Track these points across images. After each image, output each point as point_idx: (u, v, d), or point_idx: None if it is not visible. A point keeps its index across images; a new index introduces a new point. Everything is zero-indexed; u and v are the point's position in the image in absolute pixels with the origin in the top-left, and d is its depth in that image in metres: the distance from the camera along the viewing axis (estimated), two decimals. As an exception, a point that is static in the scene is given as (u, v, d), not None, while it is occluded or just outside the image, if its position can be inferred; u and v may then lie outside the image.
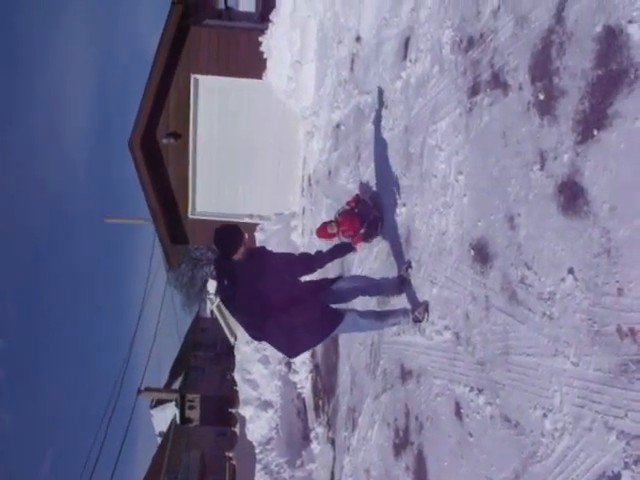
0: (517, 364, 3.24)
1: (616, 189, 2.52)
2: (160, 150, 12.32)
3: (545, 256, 3.03)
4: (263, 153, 12.58)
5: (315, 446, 9.09)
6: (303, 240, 11.82)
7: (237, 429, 16.49)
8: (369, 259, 6.27)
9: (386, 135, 6.04)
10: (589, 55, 2.73)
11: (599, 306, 2.59)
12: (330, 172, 9.17)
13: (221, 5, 15.37)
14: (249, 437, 11.41)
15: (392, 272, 5.47)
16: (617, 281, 2.48)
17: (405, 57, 5.60)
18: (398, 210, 5.41)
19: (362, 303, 5.47)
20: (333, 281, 4.92)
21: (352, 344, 6.81)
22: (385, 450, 5.30)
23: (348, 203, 6.22)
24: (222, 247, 4.28)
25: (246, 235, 4.40)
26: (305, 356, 9.89)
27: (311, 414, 9.75)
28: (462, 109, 4.15)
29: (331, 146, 9.28)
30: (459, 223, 4.11)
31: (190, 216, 13.10)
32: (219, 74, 11.93)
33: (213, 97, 12.25)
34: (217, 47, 11.78)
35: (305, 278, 4.67)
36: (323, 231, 6.14)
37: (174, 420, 29.67)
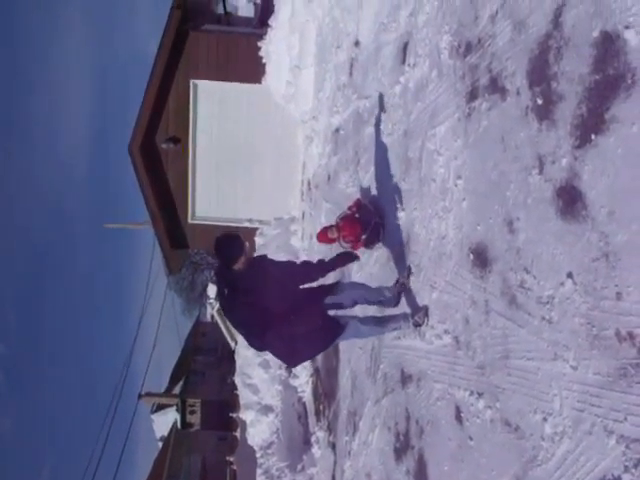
0: (517, 368, 3.25)
1: (614, 193, 2.53)
2: (160, 155, 12.34)
3: (544, 260, 3.04)
4: (262, 157, 12.60)
5: (316, 450, 9.09)
6: (303, 244, 11.83)
7: (238, 433, 16.48)
8: (369, 263, 6.28)
9: (385, 140, 6.06)
10: (586, 60, 2.75)
11: (598, 310, 2.60)
12: (329, 176, 9.18)
13: (220, 10, 15.44)
14: (250, 441, 11.40)
15: (392, 277, 5.48)
16: (616, 285, 2.49)
17: (404, 62, 5.62)
18: (397, 214, 5.42)
19: (361, 308, 5.47)
20: (332, 288, 4.85)
21: (352, 348, 6.82)
22: (386, 454, 5.31)
23: (349, 208, 6.17)
24: (222, 257, 4.24)
25: (247, 244, 4.35)
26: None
27: (312, 418, 9.74)
28: (461, 114, 4.17)
29: (330, 150, 9.30)
30: (458, 227, 4.13)
31: (190, 221, 13.12)
32: (218, 79, 11.96)
33: (212, 102, 12.28)
34: (216, 52, 11.81)
35: (305, 286, 4.63)
36: (323, 236, 6.09)
37: (175, 425, 29.65)
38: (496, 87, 3.64)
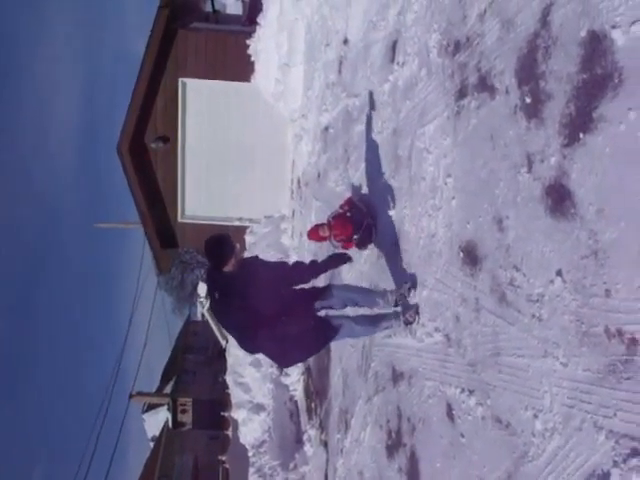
0: (507, 365, 3.27)
1: (602, 192, 2.55)
2: (149, 154, 12.31)
3: (534, 258, 3.06)
4: (252, 156, 12.58)
5: (308, 448, 9.10)
6: (293, 243, 11.83)
7: (230, 432, 16.47)
8: (359, 262, 6.29)
9: (375, 138, 6.07)
10: (574, 59, 2.77)
11: (587, 307, 2.62)
12: (319, 175, 9.19)
13: (208, 8, 15.39)
14: (242, 440, 11.39)
15: (383, 276, 5.49)
16: (604, 282, 2.51)
17: (393, 60, 5.63)
18: (387, 213, 5.43)
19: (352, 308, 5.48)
20: (325, 290, 4.80)
21: (343, 346, 6.83)
22: (378, 452, 5.32)
23: (341, 207, 6.12)
24: (212, 258, 4.21)
25: (237, 245, 4.32)
26: (297, 359, 9.88)
27: (304, 416, 9.76)
28: (450, 112, 4.18)
29: (320, 149, 9.30)
30: (448, 225, 4.14)
31: (179, 220, 13.09)
32: (207, 77, 11.94)
33: (201, 100, 12.25)
34: (204, 50, 11.78)
35: (298, 287, 4.60)
36: (315, 233, 6.04)
37: (166, 424, 29.57)
38: (485, 86, 3.66)
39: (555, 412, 2.83)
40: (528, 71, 3.16)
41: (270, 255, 11.91)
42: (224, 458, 17.14)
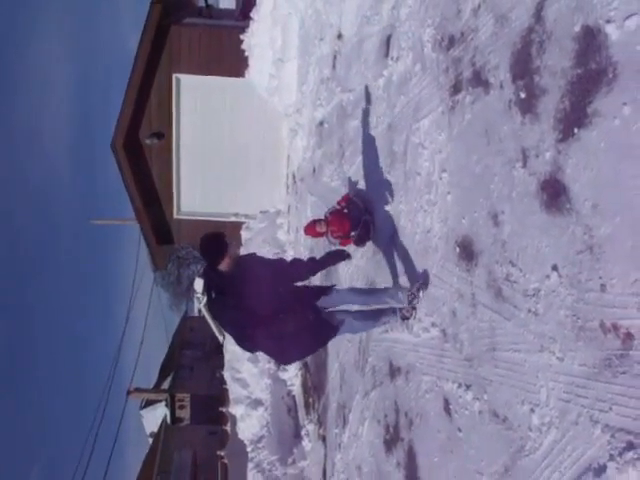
0: (504, 360, 3.28)
1: (597, 187, 2.56)
2: (143, 150, 12.26)
3: (529, 253, 3.06)
4: (247, 151, 12.56)
5: (306, 443, 9.12)
6: (289, 237, 11.83)
7: (228, 428, 16.49)
8: (355, 257, 6.30)
9: (369, 133, 6.06)
10: (568, 54, 2.77)
11: (583, 302, 2.63)
12: (314, 170, 9.18)
13: (201, 3, 15.32)
14: (240, 436, 11.42)
15: (379, 270, 5.50)
16: (600, 277, 2.52)
17: (387, 55, 5.62)
18: (383, 208, 5.43)
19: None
20: (327, 290, 4.64)
21: (341, 341, 6.83)
22: (376, 446, 5.34)
23: (338, 203, 6.07)
24: (206, 256, 4.18)
25: (233, 243, 4.27)
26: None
27: (301, 411, 9.78)
28: (444, 107, 4.18)
29: (315, 144, 9.29)
30: (444, 221, 4.15)
31: (175, 216, 13.06)
32: (201, 73, 11.89)
33: (195, 96, 12.20)
34: (198, 46, 11.73)
35: (298, 285, 4.54)
36: (311, 229, 6.00)
37: (164, 420, 29.60)
38: (479, 80, 3.65)
39: (551, 406, 2.84)
40: (522, 66, 3.16)
41: (266, 250, 11.91)
42: (223, 453, 17.17)
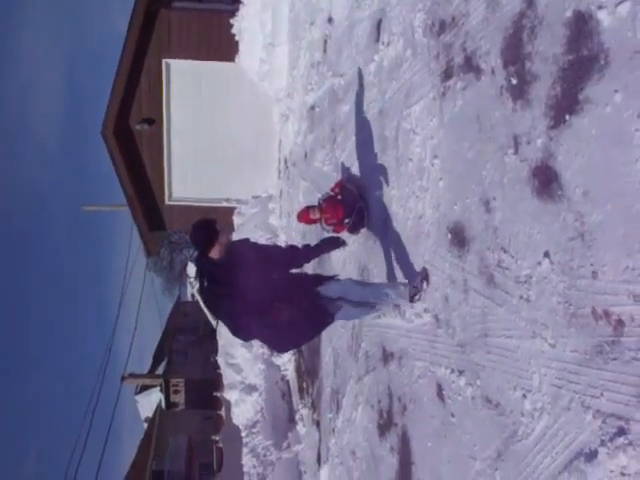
0: (496, 346, 3.30)
1: (588, 174, 2.56)
2: (134, 137, 12.19)
3: (521, 239, 3.07)
4: (238, 136, 12.50)
5: (300, 428, 9.18)
6: (281, 223, 11.82)
7: (223, 412, 16.58)
8: (347, 242, 6.29)
9: (361, 118, 6.03)
10: (560, 40, 2.75)
11: (574, 289, 2.64)
12: (306, 155, 9.15)
13: (190, -14, 15.13)
14: (235, 421, 11.48)
15: (371, 256, 5.50)
16: (591, 264, 2.53)
17: (378, 40, 5.58)
18: (375, 194, 5.43)
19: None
20: (325, 279, 4.54)
21: (334, 327, 6.82)
22: (370, 431, 5.38)
23: (332, 189, 6.00)
24: (196, 244, 4.11)
25: (226, 230, 4.18)
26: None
27: (295, 396, 9.83)
28: (436, 93, 4.16)
29: (306, 128, 9.25)
30: (436, 207, 4.14)
31: (167, 202, 13.02)
32: (191, 58, 11.80)
33: (186, 81, 12.13)
34: (188, 30, 11.63)
35: (294, 272, 4.45)
36: (305, 216, 5.94)
37: (159, 405, 29.70)
38: (471, 66, 3.63)
39: (544, 392, 2.86)
40: (514, 52, 3.14)
41: (259, 236, 11.90)
42: (217, 438, 17.28)
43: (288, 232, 10.81)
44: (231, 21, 11.26)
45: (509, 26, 3.20)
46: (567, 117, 2.68)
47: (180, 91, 12.16)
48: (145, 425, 31.97)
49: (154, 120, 12.14)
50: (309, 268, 6.35)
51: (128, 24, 11.25)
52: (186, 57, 11.79)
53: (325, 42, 8.01)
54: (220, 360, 12.52)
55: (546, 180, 2.85)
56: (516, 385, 3.09)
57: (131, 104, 11.87)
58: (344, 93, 6.89)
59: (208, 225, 4.04)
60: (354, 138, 6.26)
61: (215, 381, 19.90)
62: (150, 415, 31.17)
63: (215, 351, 14.46)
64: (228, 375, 11.97)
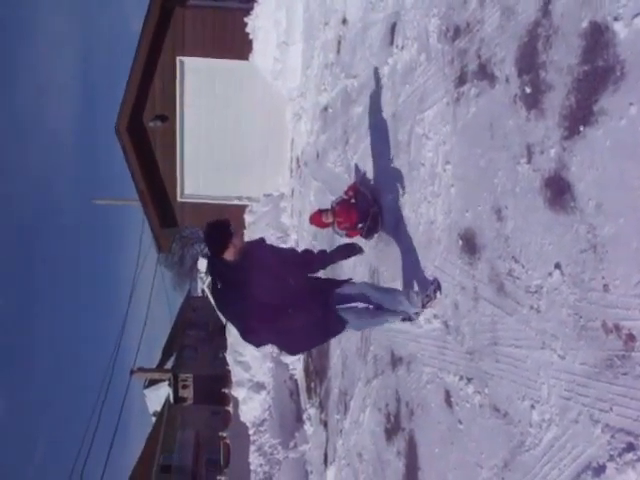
0: (505, 355, 3.29)
1: (602, 186, 2.54)
2: (147, 133, 12.23)
3: (532, 250, 3.05)
4: (251, 134, 12.50)
5: (308, 427, 9.19)
6: (292, 222, 11.83)
7: (231, 408, 16.63)
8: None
9: (374, 121, 6.02)
10: (575, 50, 2.73)
11: (585, 301, 2.63)
12: (318, 155, 9.15)
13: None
14: (242, 418, 11.52)
15: (382, 260, 5.50)
16: (603, 277, 2.51)
17: (392, 43, 5.57)
18: (387, 197, 5.41)
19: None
20: (340, 283, 4.47)
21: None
22: (377, 435, 5.38)
23: (346, 192, 5.88)
24: (209, 245, 4.02)
25: (240, 233, 4.08)
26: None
27: (303, 395, 9.84)
28: (449, 99, 4.14)
29: (319, 128, 9.24)
30: (447, 213, 4.13)
31: (179, 199, 13.05)
32: (205, 56, 11.81)
33: (199, 79, 12.13)
34: (202, 28, 11.64)
35: (309, 277, 4.37)
36: (317, 219, 5.85)
37: (168, 399, 29.87)
38: (485, 73, 3.62)
39: (552, 404, 2.85)
40: (528, 60, 3.13)
41: (270, 234, 11.92)
42: (225, 434, 17.35)
43: (299, 231, 10.82)
44: (245, 19, 11.26)
45: (524, 34, 3.19)
46: (581, 128, 2.66)
47: (194, 89, 12.18)
48: (153, 419, 32.17)
49: (167, 117, 12.17)
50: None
51: (143, 21, 11.27)
52: (200, 55, 11.79)
53: (339, 43, 8.00)
54: (229, 357, 12.56)
55: (559, 191, 2.84)
56: (525, 395, 3.08)
57: (145, 101, 11.91)
58: (357, 95, 6.87)
59: (222, 226, 3.95)
60: (366, 141, 6.25)
61: (224, 377, 19.98)
62: (158, 409, 31.37)
63: (224, 347, 14.51)
64: (237, 373, 12.01)
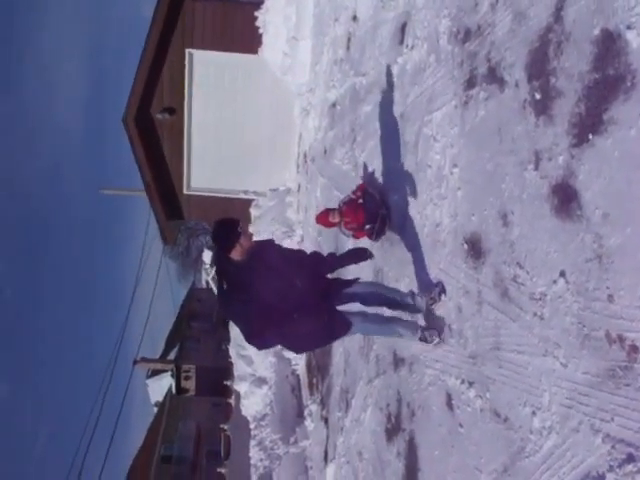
0: (508, 360, 3.29)
1: (609, 196, 2.53)
2: (155, 125, 12.21)
3: (537, 256, 3.05)
4: (259, 128, 12.48)
5: (309, 423, 9.21)
6: (298, 217, 11.82)
7: (232, 401, 16.69)
8: (363, 244, 6.28)
9: (382, 120, 6.00)
10: (586, 57, 2.72)
11: (589, 311, 2.62)
12: (325, 151, 9.13)
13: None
14: (244, 412, 11.55)
15: (387, 260, 5.49)
16: (608, 287, 2.51)
17: (401, 42, 5.55)
18: (393, 197, 5.40)
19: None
20: (348, 283, 4.42)
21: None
22: (377, 434, 5.39)
23: (354, 193, 5.79)
24: (216, 242, 3.99)
25: (248, 233, 4.04)
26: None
27: (305, 391, 9.86)
28: (458, 101, 4.13)
29: (327, 125, 9.22)
30: (453, 216, 4.12)
31: (185, 192, 13.05)
32: (214, 49, 11.77)
33: (208, 72, 12.10)
34: (212, 21, 11.60)
35: (316, 279, 4.25)
36: (324, 218, 5.78)
37: (170, 390, 29.97)
38: (494, 77, 3.60)
39: (553, 411, 2.85)
40: (539, 66, 3.11)
41: (275, 229, 11.93)
42: (226, 427, 17.42)
43: (305, 227, 10.82)
44: (255, 13, 11.22)
45: (535, 39, 3.17)
46: (590, 136, 2.65)
47: (202, 81, 12.15)
48: (155, 409, 32.28)
49: (175, 109, 12.15)
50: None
51: (153, 13, 11.25)
52: (209, 48, 11.76)
53: (349, 40, 7.98)
54: (232, 351, 12.59)
55: (566, 199, 2.83)
56: (526, 401, 3.08)
57: (153, 93, 11.89)
58: (366, 93, 6.85)
59: (231, 225, 3.89)
60: (374, 139, 6.24)
61: (226, 369, 20.03)
62: (160, 399, 31.46)
63: (227, 339, 14.55)
64: (239, 367, 12.04)
